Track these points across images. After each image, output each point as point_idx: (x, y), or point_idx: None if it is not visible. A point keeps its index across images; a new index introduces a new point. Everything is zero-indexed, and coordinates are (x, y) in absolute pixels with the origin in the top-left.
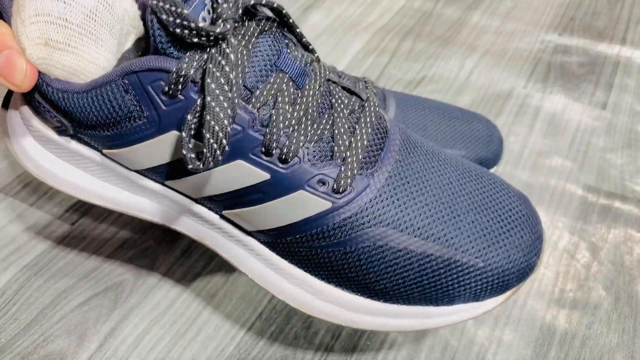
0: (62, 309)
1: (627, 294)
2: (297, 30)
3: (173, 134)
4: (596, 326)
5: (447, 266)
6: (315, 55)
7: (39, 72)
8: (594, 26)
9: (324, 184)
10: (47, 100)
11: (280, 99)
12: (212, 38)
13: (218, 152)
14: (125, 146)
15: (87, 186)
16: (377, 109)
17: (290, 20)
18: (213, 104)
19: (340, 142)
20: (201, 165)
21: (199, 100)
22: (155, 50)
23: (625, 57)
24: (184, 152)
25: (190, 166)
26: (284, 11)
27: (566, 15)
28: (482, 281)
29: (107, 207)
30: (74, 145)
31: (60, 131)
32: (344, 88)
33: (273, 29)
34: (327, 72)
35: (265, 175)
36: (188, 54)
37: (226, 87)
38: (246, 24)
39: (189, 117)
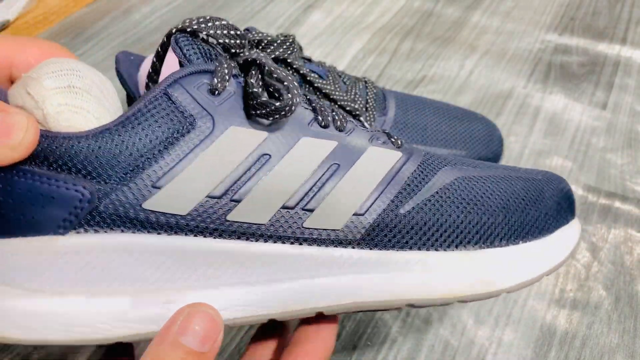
0: None
1: (627, 294)
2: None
3: (232, 129)
4: (596, 326)
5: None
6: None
7: (45, 133)
8: (594, 26)
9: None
10: (59, 161)
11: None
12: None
13: (295, 84)
14: (180, 167)
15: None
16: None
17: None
18: (272, 67)
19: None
20: (288, 99)
21: (251, 78)
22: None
23: (625, 57)
24: (256, 90)
25: (273, 105)
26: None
27: (566, 15)
28: None
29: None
30: (89, 239)
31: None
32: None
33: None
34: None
35: (333, 143)
36: (217, 59)
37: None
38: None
39: (251, 80)
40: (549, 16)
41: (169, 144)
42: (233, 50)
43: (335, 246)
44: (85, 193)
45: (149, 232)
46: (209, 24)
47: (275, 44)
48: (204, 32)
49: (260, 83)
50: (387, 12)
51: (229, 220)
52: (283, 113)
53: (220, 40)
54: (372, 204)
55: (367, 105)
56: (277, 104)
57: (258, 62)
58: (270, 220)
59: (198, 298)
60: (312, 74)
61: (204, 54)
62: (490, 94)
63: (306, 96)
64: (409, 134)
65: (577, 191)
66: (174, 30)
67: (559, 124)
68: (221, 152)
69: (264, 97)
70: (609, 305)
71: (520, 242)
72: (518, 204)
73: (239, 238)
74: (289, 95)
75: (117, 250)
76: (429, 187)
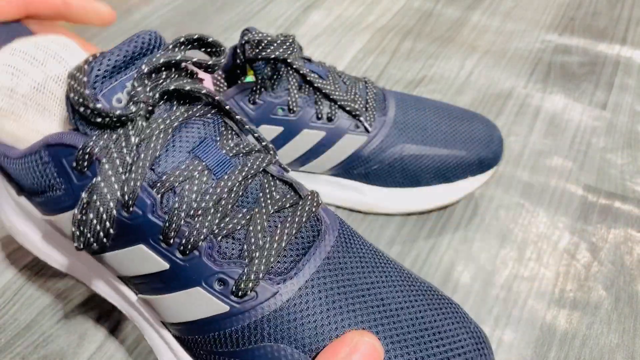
0: (62, 309)
1: (627, 294)
2: (237, 117)
3: None
4: (596, 326)
5: None
6: (263, 144)
7: None
8: (594, 26)
9: (223, 284)
10: None
11: (187, 186)
12: (114, 120)
13: (102, 234)
14: (52, 214)
15: (40, 245)
16: (316, 209)
17: (227, 107)
18: (102, 184)
19: (253, 240)
20: (81, 246)
21: (94, 180)
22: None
23: (625, 57)
24: (72, 229)
25: (75, 244)
26: (217, 97)
27: (566, 15)
28: None
29: (57, 269)
30: (25, 203)
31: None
32: (285, 183)
33: (208, 115)
34: (266, 165)
35: (165, 265)
36: (97, 132)
37: (120, 169)
38: (175, 108)
39: (83, 194)
40: (549, 16)
41: (45, 189)
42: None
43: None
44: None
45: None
46: None
47: (275, 44)
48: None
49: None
50: (387, 12)
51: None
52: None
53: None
54: (184, 327)
55: (367, 105)
56: (78, 243)
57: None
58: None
59: None
60: (312, 74)
61: (90, 124)
62: (490, 94)
63: (164, 209)
64: (409, 134)
65: (577, 191)
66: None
67: (559, 124)
68: None
69: (78, 233)
70: (609, 305)
71: None
72: None
73: None
74: (91, 239)
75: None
76: (245, 351)
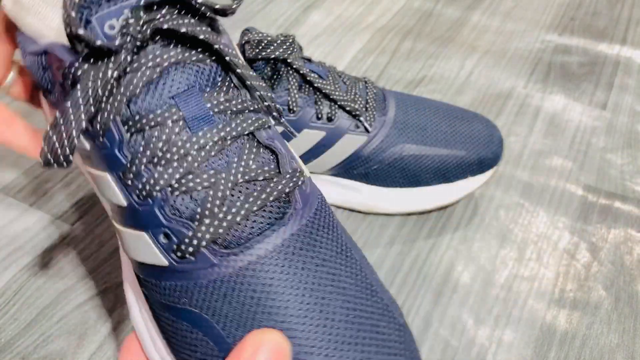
0: (62, 309)
1: (627, 294)
2: (239, 70)
3: None
4: (596, 326)
5: None
6: (266, 104)
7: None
8: (594, 26)
9: (168, 239)
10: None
11: (157, 133)
12: (95, 49)
13: (61, 158)
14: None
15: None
16: (291, 189)
17: (228, 59)
18: (70, 110)
19: (209, 206)
20: (43, 163)
21: (66, 102)
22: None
23: (625, 57)
24: (42, 143)
25: (41, 159)
26: (217, 46)
27: (566, 15)
28: None
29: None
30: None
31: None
32: (273, 153)
33: (206, 62)
34: (255, 128)
35: (123, 202)
36: (85, 54)
37: (91, 100)
38: (170, 48)
39: (57, 113)
40: (549, 16)
41: (47, 90)
42: None
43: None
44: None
45: None
46: None
47: (275, 44)
48: None
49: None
50: (387, 12)
51: None
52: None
53: None
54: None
55: (367, 105)
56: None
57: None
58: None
59: None
60: (312, 74)
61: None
62: (490, 94)
63: (130, 149)
64: (408, 134)
65: (577, 191)
66: None
67: (559, 124)
68: None
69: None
70: (609, 305)
71: None
72: None
73: None
74: (47, 155)
75: None
76: (173, 308)
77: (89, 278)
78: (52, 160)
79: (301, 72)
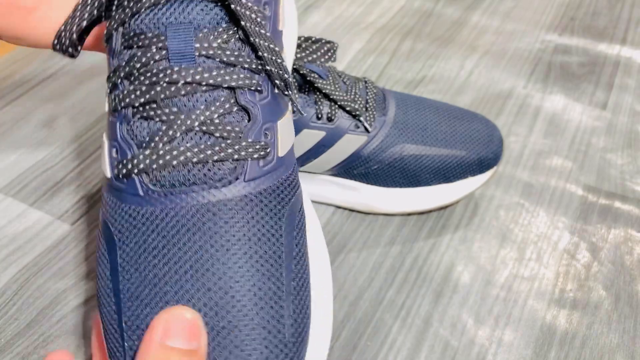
0: (62, 309)
1: (627, 294)
2: (245, 24)
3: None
4: (596, 326)
5: None
6: (267, 68)
7: None
8: (594, 26)
9: (116, 154)
10: None
11: (139, 53)
12: None
13: (64, 40)
14: None
15: None
16: (262, 158)
17: (233, 7)
18: (79, 6)
19: (157, 139)
20: (56, 45)
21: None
22: None
23: (625, 57)
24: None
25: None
26: None
27: (566, 15)
28: None
29: None
30: None
31: None
32: (247, 117)
33: (215, 4)
34: (235, 85)
35: (106, 107)
36: None
37: (96, 3)
38: None
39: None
40: (549, 16)
41: None
42: None
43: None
44: None
45: None
46: None
47: None
48: None
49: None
50: (387, 12)
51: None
52: None
53: None
54: None
55: (367, 105)
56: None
57: None
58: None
59: None
60: (312, 74)
61: None
62: (490, 94)
63: (111, 66)
64: (408, 134)
65: (577, 191)
66: None
67: (559, 124)
68: None
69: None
70: (609, 305)
71: None
72: None
73: None
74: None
75: None
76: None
77: (89, 278)
78: (58, 47)
79: (301, 72)
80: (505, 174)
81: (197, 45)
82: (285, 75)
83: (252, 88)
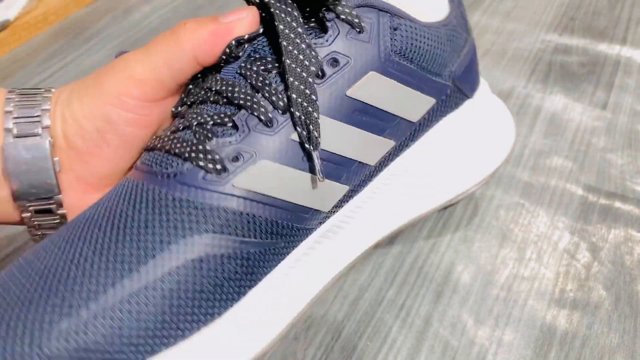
0: None
1: (627, 294)
2: (283, 42)
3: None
4: (597, 326)
5: None
6: (299, 101)
7: None
8: (594, 26)
9: None
10: None
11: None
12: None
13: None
14: None
15: None
16: (180, 174)
17: (277, 24)
18: None
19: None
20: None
21: None
22: None
23: (625, 57)
24: None
25: None
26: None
27: (566, 15)
28: None
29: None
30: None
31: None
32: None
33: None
34: (250, 112)
35: None
36: None
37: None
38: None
39: None
40: (549, 16)
41: None
42: None
43: None
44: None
45: None
46: None
47: None
48: None
49: None
50: None
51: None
52: None
53: None
54: None
55: None
56: None
57: None
58: None
59: None
60: None
61: None
62: None
63: None
64: None
65: (577, 191)
66: None
67: (559, 124)
68: None
69: None
70: (609, 305)
71: None
72: None
73: None
74: None
75: None
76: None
77: None
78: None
79: None
80: (505, 174)
81: (240, 64)
82: (312, 127)
83: (263, 122)
